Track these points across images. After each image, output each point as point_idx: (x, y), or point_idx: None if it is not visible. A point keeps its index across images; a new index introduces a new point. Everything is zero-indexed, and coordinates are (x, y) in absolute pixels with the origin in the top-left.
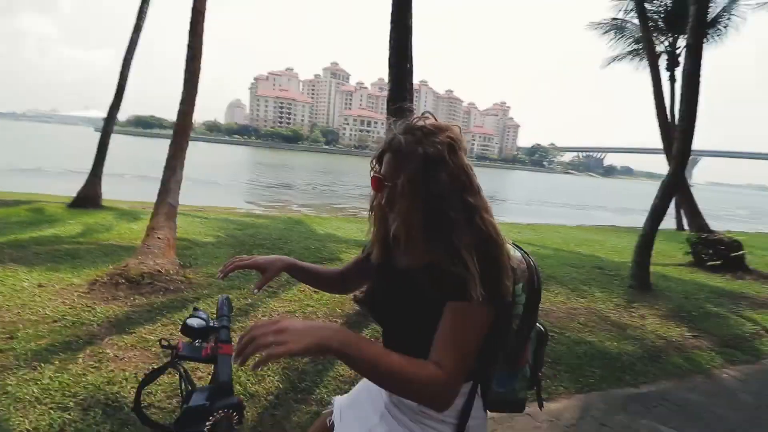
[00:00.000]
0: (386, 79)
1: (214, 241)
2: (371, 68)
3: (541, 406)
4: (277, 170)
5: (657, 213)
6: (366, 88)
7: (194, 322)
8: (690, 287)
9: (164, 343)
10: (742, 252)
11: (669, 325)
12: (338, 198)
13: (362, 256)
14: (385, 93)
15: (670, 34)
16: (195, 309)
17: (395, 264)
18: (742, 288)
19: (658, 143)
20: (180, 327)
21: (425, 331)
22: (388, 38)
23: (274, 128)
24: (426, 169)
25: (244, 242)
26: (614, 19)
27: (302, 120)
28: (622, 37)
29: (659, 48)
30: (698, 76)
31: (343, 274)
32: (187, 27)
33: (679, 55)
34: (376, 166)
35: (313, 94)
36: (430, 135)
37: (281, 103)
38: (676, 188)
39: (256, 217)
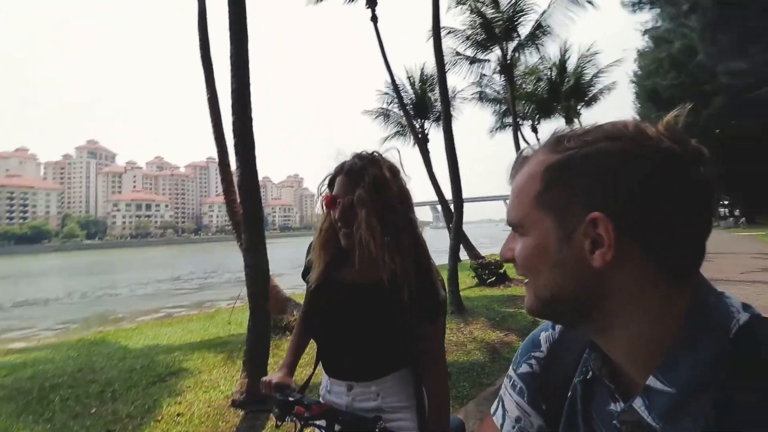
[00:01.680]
0: (164, 157)
1: None
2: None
3: None
4: (11, 283)
5: (455, 251)
6: (140, 167)
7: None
8: (485, 301)
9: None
10: (504, 268)
11: (488, 332)
12: (127, 302)
13: (307, 291)
14: (164, 172)
15: (418, 119)
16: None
17: (338, 280)
18: (513, 292)
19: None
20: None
21: (374, 337)
22: (231, 127)
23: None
24: (375, 185)
25: (27, 390)
26: (381, 108)
27: (47, 212)
28: (389, 121)
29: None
30: (454, 149)
31: (307, 324)
32: None
33: (427, 133)
34: (326, 190)
35: (63, 178)
36: (375, 161)
37: (10, 193)
38: (460, 230)
39: (21, 353)
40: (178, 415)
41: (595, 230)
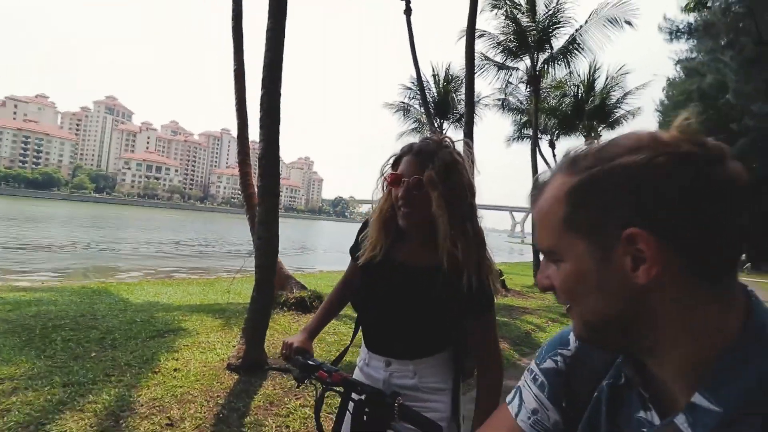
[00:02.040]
0: (179, 122)
1: None
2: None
3: None
4: (14, 225)
5: None
6: (155, 129)
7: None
8: None
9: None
10: (503, 278)
11: None
12: (127, 258)
13: (352, 266)
14: (178, 137)
15: (437, 119)
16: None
17: (392, 260)
18: (510, 302)
19: None
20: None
21: (421, 320)
22: (259, 101)
23: (11, 169)
24: (446, 169)
25: (30, 326)
26: (402, 102)
27: (59, 161)
28: (408, 116)
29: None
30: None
31: (342, 295)
32: None
33: (445, 134)
34: (389, 169)
35: (78, 130)
36: (446, 146)
37: (26, 137)
38: None
39: (26, 291)
40: (175, 370)
41: (634, 246)
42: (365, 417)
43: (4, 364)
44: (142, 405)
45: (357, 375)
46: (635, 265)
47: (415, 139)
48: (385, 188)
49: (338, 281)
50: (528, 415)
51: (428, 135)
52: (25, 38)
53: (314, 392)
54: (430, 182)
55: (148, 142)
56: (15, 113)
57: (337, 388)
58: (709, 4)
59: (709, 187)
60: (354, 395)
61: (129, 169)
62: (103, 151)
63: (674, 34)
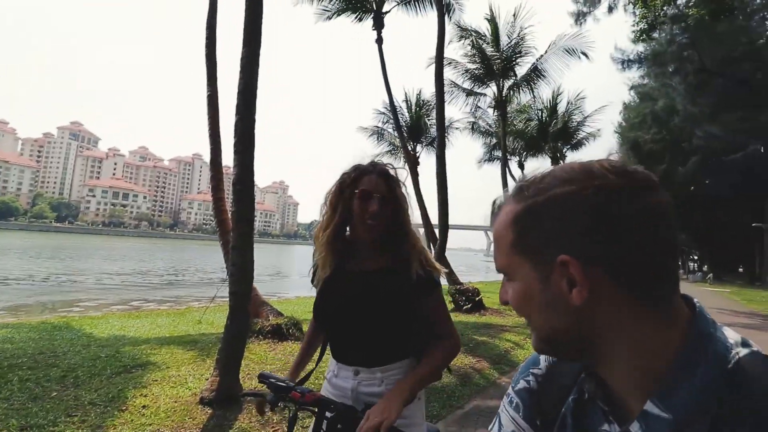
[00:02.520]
0: (149, 148)
1: None
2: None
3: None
4: None
5: None
6: (122, 155)
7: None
8: (460, 327)
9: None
10: (480, 297)
11: (461, 357)
12: (90, 290)
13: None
14: (147, 163)
15: (411, 142)
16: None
17: (345, 270)
18: (488, 321)
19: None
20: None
21: (383, 321)
22: (233, 126)
23: None
24: (402, 188)
25: None
26: (375, 126)
27: (18, 189)
28: (382, 140)
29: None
30: (445, 175)
31: (317, 330)
32: None
33: (418, 156)
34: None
35: (40, 157)
36: (393, 169)
37: None
38: (444, 254)
39: None
40: (144, 407)
41: (567, 270)
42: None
43: None
44: None
45: (325, 387)
46: (570, 288)
47: (389, 161)
48: (345, 203)
49: (311, 319)
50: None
51: (375, 160)
52: None
53: (287, 416)
54: (402, 199)
55: (114, 169)
56: None
57: (311, 408)
58: (655, 35)
59: (627, 215)
60: (327, 414)
61: (93, 196)
62: (66, 178)
63: (626, 63)
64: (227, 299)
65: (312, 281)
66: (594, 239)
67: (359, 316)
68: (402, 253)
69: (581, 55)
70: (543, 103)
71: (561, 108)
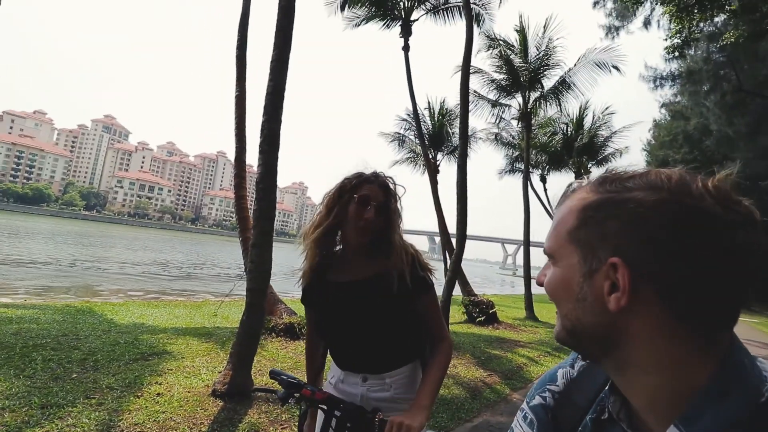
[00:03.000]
0: (176, 143)
1: None
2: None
3: None
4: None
5: (451, 283)
6: (151, 149)
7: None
8: (472, 339)
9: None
10: (494, 309)
11: (473, 369)
12: (113, 278)
13: (310, 312)
14: (173, 158)
15: (432, 150)
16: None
17: (335, 280)
18: (501, 335)
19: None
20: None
21: (385, 328)
22: (259, 126)
23: (1, 183)
24: (399, 200)
25: (10, 345)
26: (397, 132)
27: (52, 177)
28: (403, 146)
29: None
30: (465, 185)
31: (315, 342)
32: None
33: (438, 164)
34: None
35: (74, 147)
36: (392, 182)
37: (20, 152)
38: (460, 264)
39: (8, 308)
40: (158, 395)
41: (615, 274)
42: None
43: None
44: (123, 430)
45: (330, 391)
46: (611, 291)
47: (408, 168)
48: (342, 207)
49: (306, 334)
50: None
51: (376, 171)
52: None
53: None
54: (396, 212)
55: (143, 162)
56: (11, 128)
57: (322, 406)
58: (690, 52)
59: (706, 247)
60: (337, 412)
61: (121, 187)
62: (96, 168)
63: (657, 80)
64: (243, 295)
65: (302, 297)
66: (659, 256)
67: (361, 326)
68: (395, 258)
69: (612, 69)
70: (569, 116)
71: (587, 122)
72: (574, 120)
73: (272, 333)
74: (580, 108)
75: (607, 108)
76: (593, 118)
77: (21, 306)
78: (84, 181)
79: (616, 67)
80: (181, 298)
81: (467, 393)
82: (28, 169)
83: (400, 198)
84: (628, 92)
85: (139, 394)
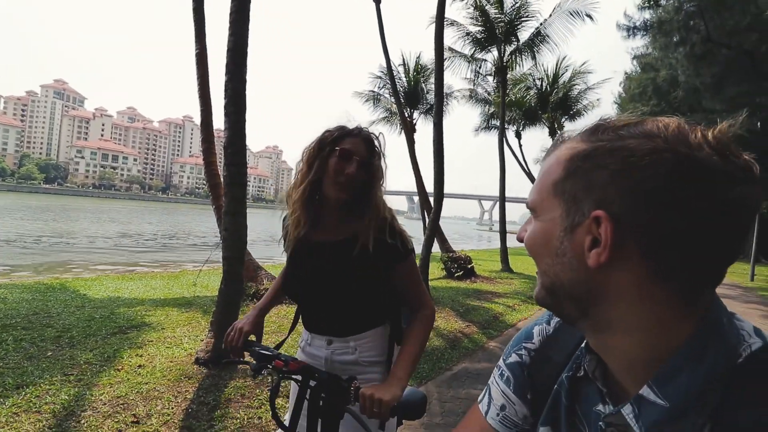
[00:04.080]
0: (137, 109)
1: None
2: (115, 94)
3: None
4: None
5: (430, 241)
6: (110, 116)
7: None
8: (451, 293)
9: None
10: (472, 264)
11: (452, 321)
12: (84, 252)
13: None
14: (136, 124)
15: (408, 108)
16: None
17: (314, 240)
18: (479, 287)
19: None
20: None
21: (353, 291)
22: (223, 87)
23: None
24: (381, 158)
25: None
26: (371, 91)
27: (4, 149)
28: (378, 105)
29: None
30: (442, 143)
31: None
32: None
33: (415, 123)
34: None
35: (24, 116)
36: (377, 138)
37: None
38: (438, 222)
39: None
40: (140, 366)
41: (597, 228)
42: (321, 402)
43: None
44: (104, 403)
45: (299, 356)
46: (591, 246)
47: (385, 128)
48: (323, 161)
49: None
50: (497, 412)
51: (360, 125)
52: None
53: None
54: (379, 170)
55: (102, 130)
56: None
57: (296, 377)
58: (662, 2)
59: (699, 201)
60: (312, 382)
61: (82, 158)
62: (52, 138)
63: (631, 30)
64: (221, 263)
65: (284, 248)
66: (650, 208)
67: (328, 287)
68: (368, 221)
69: (585, 17)
70: (545, 71)
71: (563, 78)
72: (550, 75)
73: (253, 299)
74: (557, 63)
75: (584, 63)
76: (571, 74)
77: None
78: (40, 153)
79: (589, 16)
80: (157, 270)
81: (447, 344)
82: None
83: (384, 156)
84: (600, 46)
85: (119, 367)
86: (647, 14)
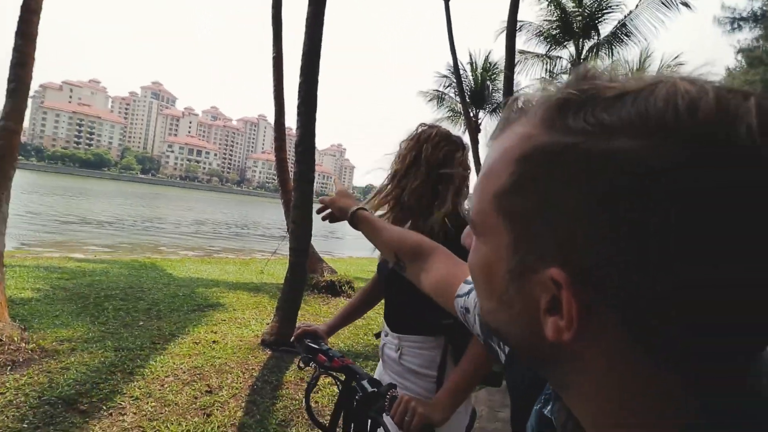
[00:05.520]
0: (219, 108)
1: (41, 296)
2: (201, 94)
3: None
4: (71, 200)
5: None
6: (196, 114)
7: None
8: None
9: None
10: None
11: None
12: (171, 236)
13: (376, 279)
14: (217, 122)
15: (473, 108)
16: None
17: None
18: None
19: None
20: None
21: (409, 283)
22: (296, 89)
23: (68, 150)
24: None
25: (85, 295)
26: (436, 90)
27: (110, 143)
28: (442, 105)
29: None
30: None
31: (367, 294)
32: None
33: (480, 123)
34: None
35: (126, 114)
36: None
37: (80, 120)
38: None
39: (81, 262)
40: (214, 342)
41: (558, 290)
42: (354, 403)
43: (63, 328)
44: (184, 372)
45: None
46: (549, 308)
47: (448, 127)
48: (446, 175)
49: (368, 284)
50: (462, 305)
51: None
52: (74, 26)
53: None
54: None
55: (189, 127)
56: (71, 97)
57: (335, 374)
58: None
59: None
60: (354, 384)
61: (172, 152)
62: (149, 134)
63: (735, 22)
64: (287, 254)
65: (380, 266)
66: (653, 261)
67: (390, 280)
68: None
69: (680, 6)
70: (628, 67)
71: (649, 72)
72: (634, 70)
73: (314, 290)
74: (641, 55)
75: (676, 57)
76: (659, 68)
77: (92, 261)
78: (138, 146)
79: (685, 4)
80: (231, 256)
81: None
82: (88, 135)
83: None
84: (691, 35)
85: (197, 341)
86: (758, 2)
